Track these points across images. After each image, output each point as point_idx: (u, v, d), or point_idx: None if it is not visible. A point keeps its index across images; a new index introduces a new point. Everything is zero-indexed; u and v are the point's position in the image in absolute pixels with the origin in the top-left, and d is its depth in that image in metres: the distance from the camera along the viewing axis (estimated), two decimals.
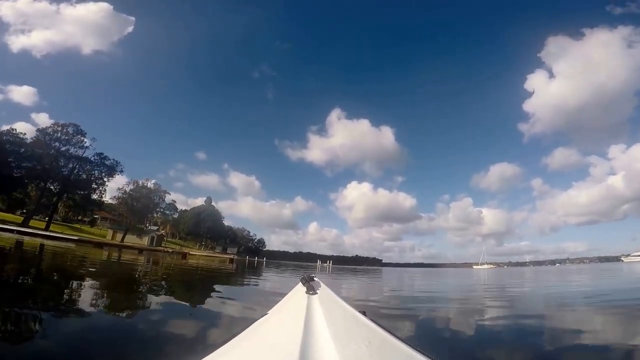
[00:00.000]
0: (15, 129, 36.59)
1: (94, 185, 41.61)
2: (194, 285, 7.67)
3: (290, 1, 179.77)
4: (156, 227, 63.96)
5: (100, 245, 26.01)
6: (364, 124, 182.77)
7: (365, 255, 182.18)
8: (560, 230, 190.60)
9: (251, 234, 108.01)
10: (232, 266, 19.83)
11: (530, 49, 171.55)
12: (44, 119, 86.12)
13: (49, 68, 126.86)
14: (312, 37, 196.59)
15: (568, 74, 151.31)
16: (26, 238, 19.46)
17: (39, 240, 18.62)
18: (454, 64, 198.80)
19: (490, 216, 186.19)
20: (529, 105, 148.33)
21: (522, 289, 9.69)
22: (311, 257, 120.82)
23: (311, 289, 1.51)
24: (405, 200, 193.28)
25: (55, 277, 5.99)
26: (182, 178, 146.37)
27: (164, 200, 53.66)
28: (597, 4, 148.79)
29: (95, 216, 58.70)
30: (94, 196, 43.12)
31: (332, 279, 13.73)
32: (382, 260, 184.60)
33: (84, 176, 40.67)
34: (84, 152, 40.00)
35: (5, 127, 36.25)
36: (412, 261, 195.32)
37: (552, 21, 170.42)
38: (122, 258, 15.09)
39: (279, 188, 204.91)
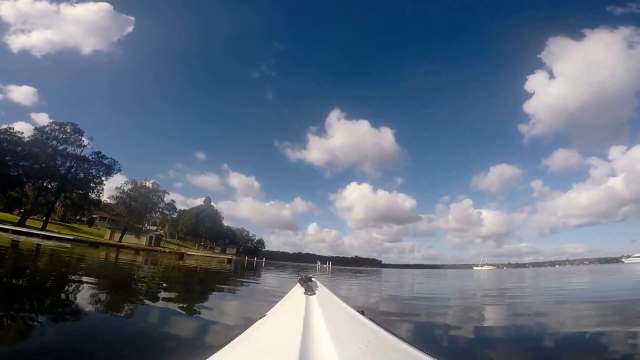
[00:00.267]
0: (13, 128, 36.29)
1: (91, 185, 41.24)
2: (183, 287, 7.36)
3: (291, 2, 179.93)
4: (155, 227, 63.63)
5: (96, 245, 25.69)
6: (363, 125, 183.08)
7: (364, 256, 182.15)
8: (560, 232, 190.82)
9: (250, 234, 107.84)
10: (229, 267, 19.52)
11: (530, 49, 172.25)
12: (43, 119, 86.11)
13: (49, 68, 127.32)
14: (312, 38, 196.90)
15: (568, 74, 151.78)
16: (22, 237, 19.14)
17: (34, 240, 18.29)
18: (454, 65, 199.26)
19: (490, 217, 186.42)
20: (529, 106, 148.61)
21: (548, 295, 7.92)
22: (310, 258, 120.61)
23: (309, 290, 1.52)
24: (405, 202, 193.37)
25: (34, 280, 5.67)
26: (181, 178, 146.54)
27: (162, 200, 53.22)
28: (598, 5, 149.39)
29: (94, 216, 58.39)
30: (92, 195, 42.71)
31: (329, 281, 13.44)
32: (381, 261, 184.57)
33: (82, 175, 40.29)
34: (82, 150, 39.68)
35: (3, 126, 35.99)
36: (411, 262, 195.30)
37: (552, 22, 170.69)
38: (114, 258, 14.79)
39: (279, 189, 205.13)
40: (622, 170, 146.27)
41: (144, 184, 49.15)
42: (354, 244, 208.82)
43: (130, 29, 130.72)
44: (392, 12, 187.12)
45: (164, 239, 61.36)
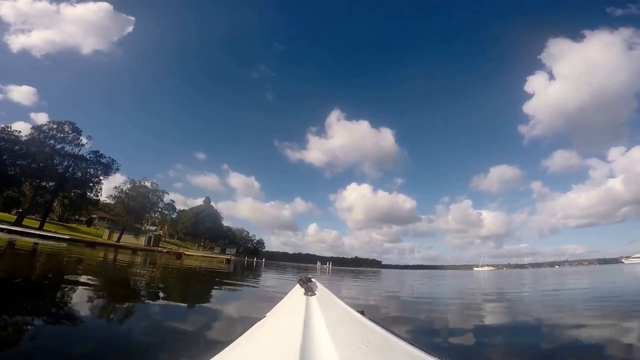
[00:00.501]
0: (10, 127, 36.02)
1: (89, 184, 41.00)
2: (176, 288, 7.16)
3: (290, 3, 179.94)
4: (154, 227, 63.36)
5: (92, 244, 25.44)
6: (363, 126, 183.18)
7: (364, 257, 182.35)
8: (560, 233, 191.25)
9: (250, 234, 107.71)
10: (228, 267, 19.30)
11: (530, 50, 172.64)
12: (43, 119, 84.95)
13: (49, 68, 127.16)
14: (311, 38, 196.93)
15: (568, 75, 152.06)
16: (18, 237, 18.91)
17: (30, 240, 18.06)
18: (454, 65, 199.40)
19: (490, 218, 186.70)
20: (529, 107, 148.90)
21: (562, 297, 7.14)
22: (311, 259, 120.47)
23: (309, 290, 1.51)
24: (405, 202, 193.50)
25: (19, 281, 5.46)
26: (181, 178, 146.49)
27: (162, 200, 52.87)
28: (598, 6, 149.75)
29: (92, 216, 58.12)
30: (90, 195, 42.46)
31: (329, 281, 13.25)
32: (381, 262, 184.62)
33: (80, 174, 40.07)
34: (80, 150, 39.46)
35: (0, 125, 35.73)
36: (411, 263, 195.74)
37: (552, 23, 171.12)
38: (109, 258, 14.57)
39: (279, 189, 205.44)
40: (621, 171, 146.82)
41: (143, 184, 48.82)
42: (354, 245, 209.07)
43: (130, 29, 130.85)
44: (392, 13, 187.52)
45: (163, 239, 61.09)
